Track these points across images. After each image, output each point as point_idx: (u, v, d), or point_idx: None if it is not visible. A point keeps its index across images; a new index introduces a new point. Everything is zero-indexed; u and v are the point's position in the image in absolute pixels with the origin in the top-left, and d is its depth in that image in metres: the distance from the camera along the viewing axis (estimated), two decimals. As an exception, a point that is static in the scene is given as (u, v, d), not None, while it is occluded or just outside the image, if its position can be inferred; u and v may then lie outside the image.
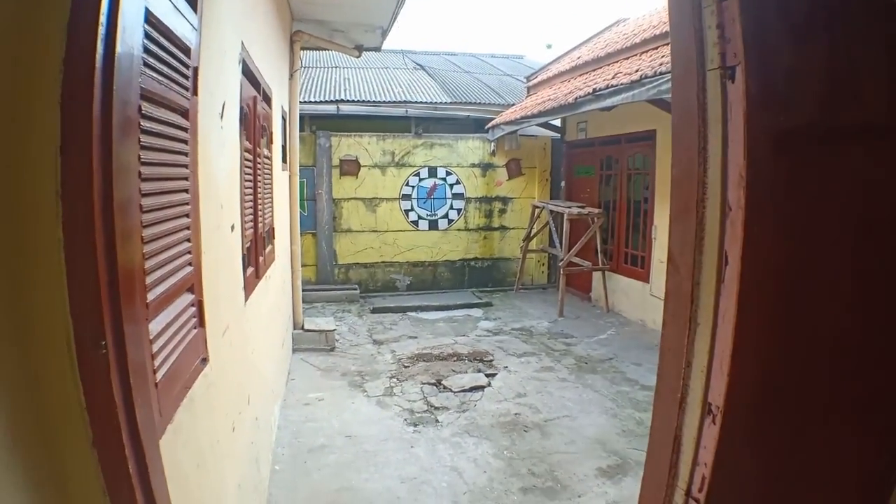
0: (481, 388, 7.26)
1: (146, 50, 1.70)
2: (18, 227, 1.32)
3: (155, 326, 1.83)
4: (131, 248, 1.57)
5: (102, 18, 1.35)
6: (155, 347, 1.79)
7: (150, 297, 1.77)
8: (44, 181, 1.32)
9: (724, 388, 1.39)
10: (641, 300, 10.40)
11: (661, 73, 6.90)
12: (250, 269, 4.21)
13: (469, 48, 19.56)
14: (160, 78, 1.86)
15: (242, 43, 3.94)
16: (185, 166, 2.19)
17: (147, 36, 1.70)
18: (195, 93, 2.35)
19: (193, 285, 2.33)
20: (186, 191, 2.20)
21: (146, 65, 1.71)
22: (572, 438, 5.97)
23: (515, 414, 6.53)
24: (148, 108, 1.73)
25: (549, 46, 20.16)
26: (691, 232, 1.46)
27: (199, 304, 2.39)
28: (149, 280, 1.76)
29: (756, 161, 1.30)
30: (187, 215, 2.21)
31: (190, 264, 2.26)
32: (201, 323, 2.43)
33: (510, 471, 5.33)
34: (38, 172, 1.32)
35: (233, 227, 3.46)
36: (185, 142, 2.18)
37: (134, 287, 1.58)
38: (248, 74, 4.29)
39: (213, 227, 2.86)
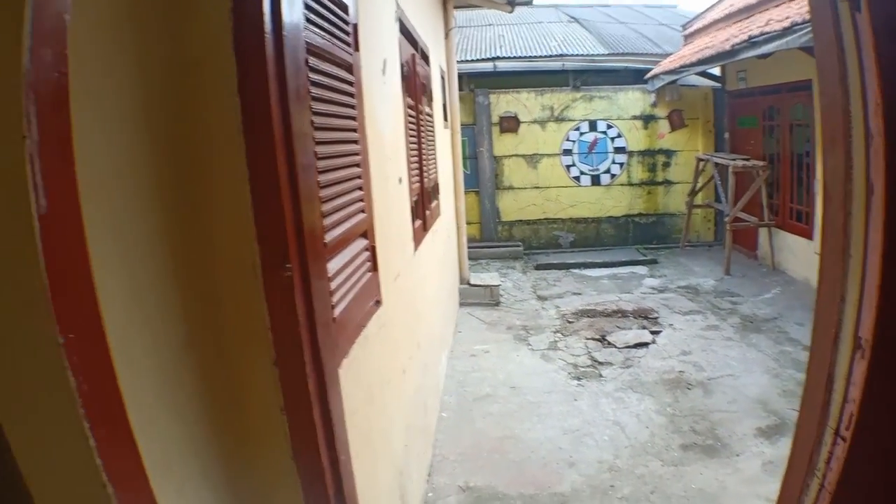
0: (645, 344, 7.22)
1: (307, 6, 1.83)
2: (205, 161, 1.49)
3: (333, 266, 1.98)
4: (308, 182, 1.70)
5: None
6: (333, 285, 1.95)
7: (328, 238, 1.92)
8: (226, 119, 1.48)
9: (872, 321, 1.39)
10: (806, 258, 9.88)
11: (808, 21, 6.54)
12: (418, 222, 4.42)
13: (621, 1, 18.90)
14: (323, 33, 1.99)
15: (397, 2, 4.08)
16: (354, 118, 2.34)
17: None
18: (356, 48, 2.47)
19: (367, 231, 2.49)
20: (357, 142, 2.35)
21: (308, 20, 1.84)
22: (734, 397, 5.86)
23: (679, 371, 6.46)
24: (314, 61, 1.87)
25: (701, -5, 19.22)
26: (841, 162, 1.46)
27: (373, 250, 2.56)
28: (326, 222, 1.91)
29: (890, 88, 1.29)
30: (358, 165, 2.36)
31: (363, 211, 2.41)
32: (374, 267, 2.60)
33: (672, 427, 5.32)
34: (220, 113, 1.48)
35: (400, 180, 3.65)
36: (352, 95, 2.32)
37: (314, 220, 1.73)
38: (405, 33, 4.44)
39: (381, 178, 3.03)
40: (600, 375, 6.38)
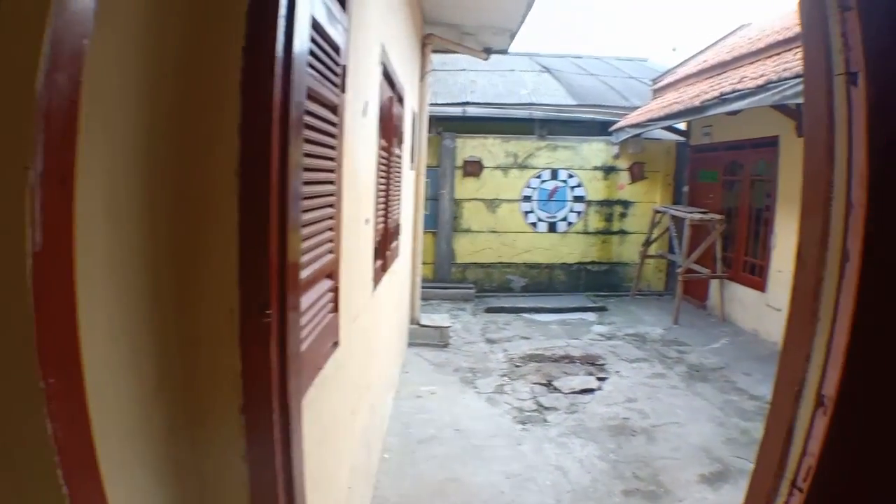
0: (591, 390, 7.27)
1: (310, 52, 1.85)
2: (198, 203, 1.48)
3: (301, 306, 1.97)
4: (295, 227, 1.70)
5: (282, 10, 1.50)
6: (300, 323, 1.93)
7: (301, 276, 1.91)
8: (224, 159, 1.48)
9: (836, 379, 1.44)
10: (756, 310, 10.11)
11: (784, 79, 6.75)
12: (378, 262, 4.42)
13: (594, 50, 19.26)
14: (317, 75, 2.00)
15: (383, 45, 4.13)
16: (333, 159, 2.34)
17: (311, 39, 1.85)
18: (343, 90, 2.48)
19: (332, 272, 2.48)
20: (333, 182, 2.35)
21: (310, 65, 1.86)
22: (678, 445, 5.94)
23: (624, 418, 6.52)
24: (308, 103, 1.88)
25: (674, 50, 19.74)
26: (818, 229, 1.52)
27: (336, 290, 2.54)
28: (302, 260, 1.91)
29: (876, 162, 1.36)
30: (332, 205, 2.36)
31: (331, 252, 2.41)
32: (336, 308, 2.57)
33: (614, 473, 5.35)
34: (220, 151, 1.48)
35: (367, 221, 3.66)
36: (334, 136, 2.32)
37: (295, 265, 1.72)
38: (387, 75, 4.49)
39: (352, 219, 3.03)
40: (545, 420, 6.40)
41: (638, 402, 6.96)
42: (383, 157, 4.35)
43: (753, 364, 8.41)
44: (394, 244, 5.53)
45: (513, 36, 8.68)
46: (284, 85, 1.52)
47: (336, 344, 2.69)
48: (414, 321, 8.78)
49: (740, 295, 10.67)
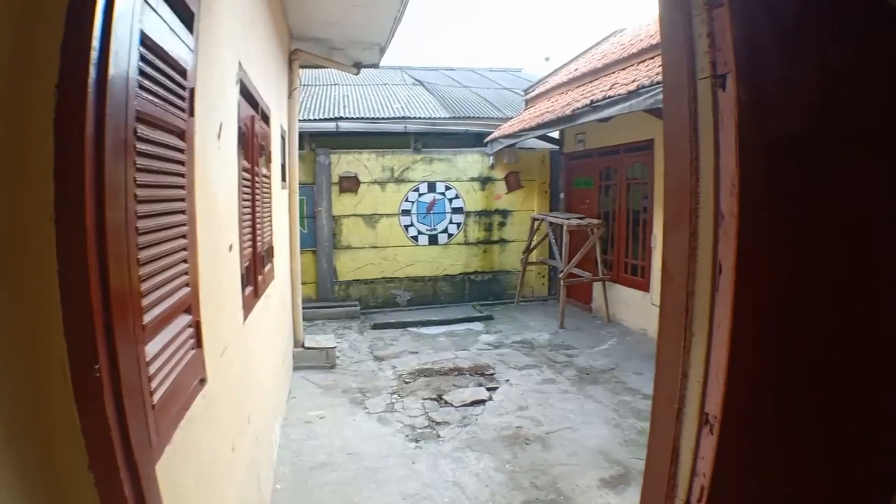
0: (482, 401, 7.25)
1: (141, 72, 1.70)
2: (14, 250, 1.32)
3: (152, 348, 1.82)
4: (125, 271, 1.56)
5: (95, 43, 1.36)
6: (152, 369, 1.78)
7: (147, 318, 1.76)
8: (39, 205, 1.33)
9: (720, 397, 1.39)
10: (642, 309, 10.38)
11: (657, 83, 6.93)
12: (249, 289, 4.21)
13: (467, 62, 19.59)
14: (156, 100, 1.86)
15: (240, 63, 3.95)
16: (182, 187, 2.19)
17: (142, 58, 1.70)
18: (192, 114, 2.33)
19: (191, 306, 2.32)
20: (184, 212, 2.19)
21: (141, 87, 1.71)
22: (574, 450, 5.96)
23: (517, 427, 6.51)
24: (143, 129, 1.73)
25: (547, 59, 20.09)
26: (685, 241, 1.46)
27: (197, 325, 2.38)
28: (145, 302, 1.74)
29: (748, 169, 1.30)
30: (184, 236, 2.20)
31: (187, 285, 2.24)
32: (199, 344, 2.42)
33: (512, 484, 5.31)
34: (33, 197, 1.33)
35: (231, 247, 3.46)
36: (182, 163, 2.17)
37: (128, 309, 1.57)
38: (246, 94, 4.30)
39: (211, 248, 2.86)
40: (438, 436, 6.32)
41: (530, 410, 6.98)
42: (246, 179, 4.15)
43: (643, 363, 8.59)
44: (267, 268, 5.32)
45: (383, 50, 8.62)
46: (98, 119, 1.38)
47: (203, 381, 2.53)
48: (298, 343, 8.55)
49: (624, 296, 10.94)
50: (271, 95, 5.99)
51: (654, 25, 10.61)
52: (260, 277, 4.73)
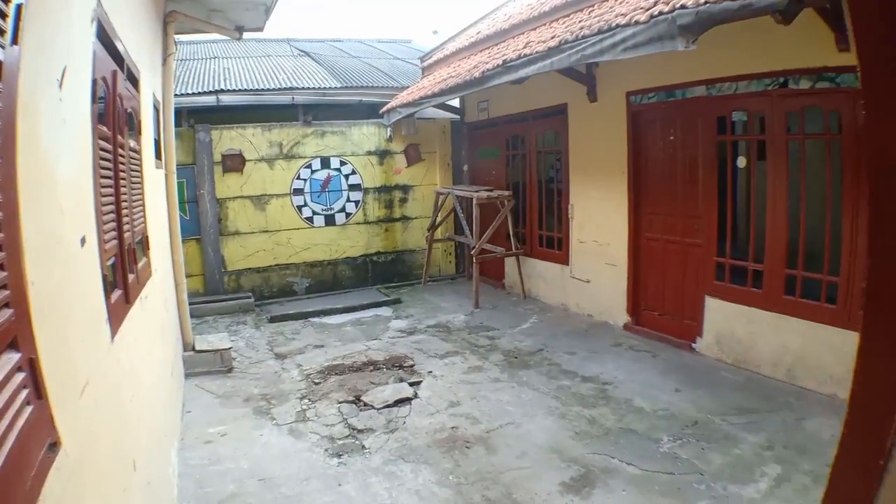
0: (407, 400, 6.41)
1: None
2: None
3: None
4: None
5: None
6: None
7: None
8: None
9: None
10: (561, 283, 9.92)
11: (585, 37, 6.14)
12: (117, 293, 3.13)
13: (354, 36, 18.55)
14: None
15: (99, -1, 2.90)
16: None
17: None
18: (15, 41, 1.57)
19: (17, 337, 1.37)
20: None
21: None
22: (523, 450, 5.25)
23: (452, 428, 5.73)
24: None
25: (435, 32, 19.58)
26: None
27: (32, 365, 1.42)
28: None
29: None
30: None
31: (7, 305, 1.29)
32: (39, 393, 1.47)
33: (461, 500, 4.54)
34: None
35: (84, 241, 2.39)
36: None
37: None
38: (107, 42, 3.25)
39: (48, 242, 1.87)
40: (363, 447, 5.42)
41: (463, 406, 6.21)
42: (107, 151, 3.07)
43: (572, 341, 8.09)
44: (141, 263, 4.20)
45: (268, 11, 7.55)
46: None
47: (55, 445, 1.60)
48: (188, 347, 7.44)
49: (541, 270, 10.42)
50: (142, 56, 4.94)
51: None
52: (132, 276, 3.63)
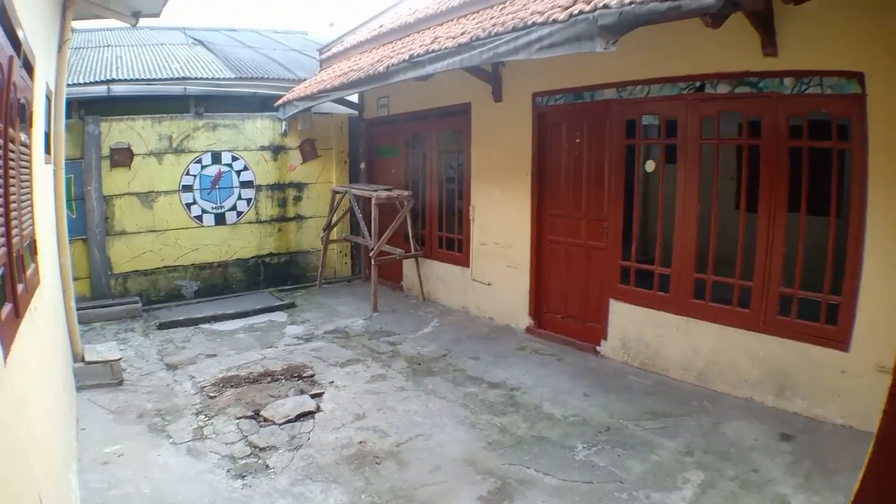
0: (310, 413, 6.05)
1: None
2: None
3: None
4: None
5: None
6: None
7: None
8: None
9: None
10: (462, 286, 9.78)
11: (498, 34, 5.93)
12: (7, 307, 2.70)
13: (250, 26, 17.89)
14: None
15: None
16: None
17: None
18: None
19: None
20: None
21: None
22: (436, 463, 5.03)
23: (360, 442, 5.44)
24: None
25: (331, 25, 19.10)
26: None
27: None
28: None
29: None
30: None
31: None
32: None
33: (378, 521, 4.25)
34: None
35: None
36: None
37: None
38: (7, 27, 2.81)
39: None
40: (267, 467, 5.05)
41: (369, 418, 5.92)
42: None
43: (476, 345, 7.96)
44: (30, 270, 3.73)
45: (166, -4, 7.08)
46: None
47: None
48: (78, 358, 6.82)
49: (440, 272, 10.24)
50: (38, 40, 4.40)
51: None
52: (21, 286, 3.16)
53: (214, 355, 8.01)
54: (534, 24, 5.41)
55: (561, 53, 5.26)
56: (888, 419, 1.15)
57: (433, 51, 6.93)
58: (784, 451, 4.97)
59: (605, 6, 4.69)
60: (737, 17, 5.18)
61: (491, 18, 6.88)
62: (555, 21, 5.15)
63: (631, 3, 4.52)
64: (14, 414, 2.45)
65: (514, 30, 5.66)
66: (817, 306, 5.50)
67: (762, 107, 5.71)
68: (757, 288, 5.88)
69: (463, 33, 6.74)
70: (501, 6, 7.33)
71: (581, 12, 4.90)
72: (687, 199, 6.37)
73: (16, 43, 3.18)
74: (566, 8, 5.14)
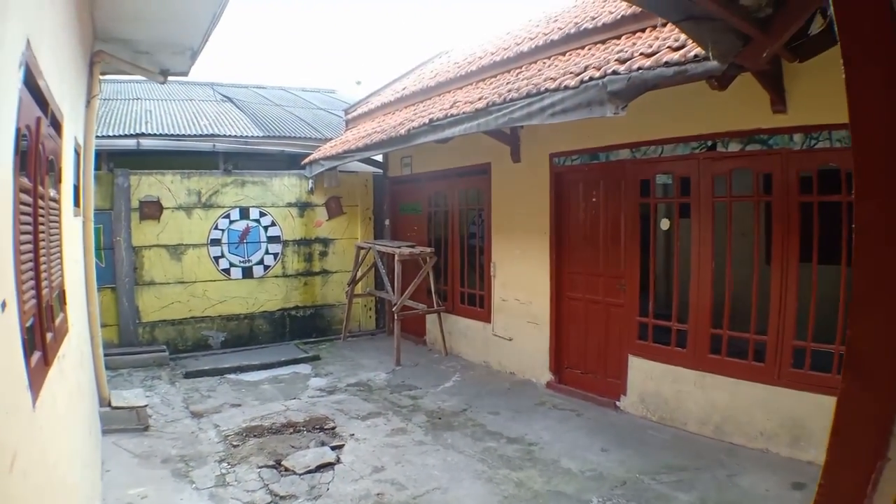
0: (330, 465, 6.16)
1: None
2: None
3: None
4: None
5: None
6: None
7: None
8: None
9: None
10: (483, 341, 9.88)
11: (512, 100, 6.19)
12: (37, 356, 2.89)
13: (278, 83, 18.36)
14: None
15: (29, 41, 2.72)
16: None
17: None
18: None
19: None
20: None
21: None
22: (451, 519, 5.07)
23: (377, 494, 5.52)
24: None
25: (358, 83, 19.54)
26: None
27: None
28: None
29: None
30: None
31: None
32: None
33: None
34: None
35: (4, 305, 2.17)
36: None
37: None
38: (34, 87, 3.03)
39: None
40: (287, 515, 5.17)
41: (387, 471, 6.01)
42: (27, 205, 2.84)
43: (496, 400, 7.99)
44: (58, 320, 3.94)
45: (195, 55, 7.38)
46: None
47: None
48: (104, 402, 7.01)
49: (462, 327, 10.35)
50: (65, 99, 4.66)
51: (493, 43, 10.19)
52: (50, 335, 3.38)
53: (239, 405, 8.18)
54: (546, 90, 5.64)
55: (573, 118, 5.47)
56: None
57: (452, 115, 7.21)
58: (796, 500, 5.01)
59: (615, 72, 4.91)
60: (745, 77, 5.35)
61: (507, 84, 7.14)
62: (566, 87, 5.37)
63: (639, 69, 4.73)
64: (42, 452, 2.64)
65: (528, 95, 5.89)
66: (830, 357, 5.57)
67: (773, 163, 5.85)
68: (771, 342, 5.97)
69: (480, 98, 7.01)
70: (517, 71, 7.61)
71: (591, 78, 5.13)
72: (702, 256, 6.50)
73: (43, 102, 3.41)
74: (577, 74, 5.36)
